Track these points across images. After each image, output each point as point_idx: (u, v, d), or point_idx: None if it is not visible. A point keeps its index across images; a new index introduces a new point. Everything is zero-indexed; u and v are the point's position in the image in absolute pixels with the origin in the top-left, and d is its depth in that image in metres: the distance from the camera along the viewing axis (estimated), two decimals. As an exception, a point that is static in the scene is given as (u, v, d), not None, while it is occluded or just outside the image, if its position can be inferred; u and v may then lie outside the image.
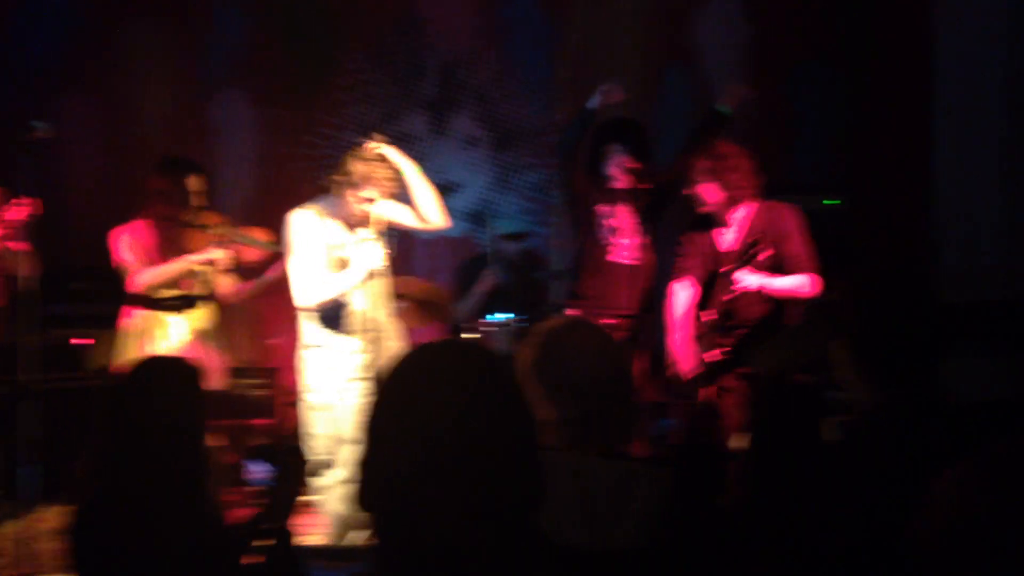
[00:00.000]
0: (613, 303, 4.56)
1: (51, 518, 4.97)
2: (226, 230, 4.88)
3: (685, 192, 4.40)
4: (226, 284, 5.02)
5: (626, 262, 4.63)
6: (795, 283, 4.28)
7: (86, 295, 5.84)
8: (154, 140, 6.67)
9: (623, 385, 2.18)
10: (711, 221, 4.45)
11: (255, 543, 2.40)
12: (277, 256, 4.86)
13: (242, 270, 5.11)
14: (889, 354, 2.06)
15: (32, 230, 4.08)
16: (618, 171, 4.60)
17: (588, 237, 4.66)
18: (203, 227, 4.87)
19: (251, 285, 5.10)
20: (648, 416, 4.83)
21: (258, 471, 2.57)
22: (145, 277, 4.76)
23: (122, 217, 4.92)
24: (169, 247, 4.80)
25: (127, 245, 4.79)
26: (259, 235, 5.04)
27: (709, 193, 4.31)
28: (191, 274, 4.83)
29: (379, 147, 4.35)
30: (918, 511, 1.22)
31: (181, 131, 6.74)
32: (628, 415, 2.18)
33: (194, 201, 4.84)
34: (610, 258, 4.63)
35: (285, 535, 2.42)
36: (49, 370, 5.17)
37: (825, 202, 5.81)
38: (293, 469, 2.51)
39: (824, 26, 6.48)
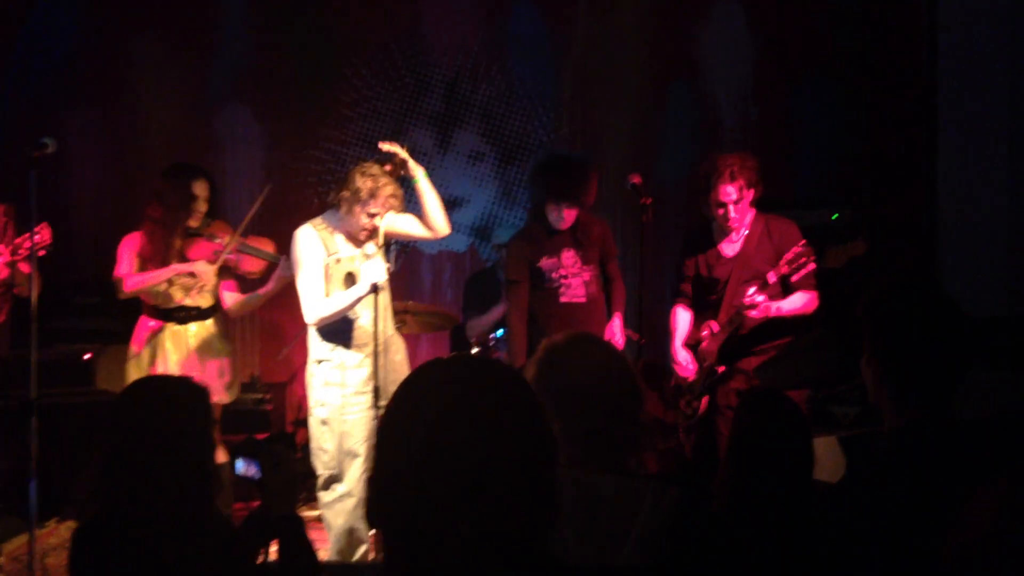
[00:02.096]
0: None
1: (59, 533, 4.99)
2: (231, 239, 4.85)
3: (702, 196, 4.42)
4: (230, 296, 4.99)
5: (579, 300, 4.80)
6: (800, 303, 4.41)
7: (89, 309, 5.87)
8: (159, 154, 6.68)
9: (630, 400, 2.16)
10: (709, 232, 4.49)
11: (266, 538, 2.37)
12: (274, 268, 4.85)
13: (244, 281, 5.07)
14: (917, 371, 2.01)
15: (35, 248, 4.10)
16: (558, 216, 4.76)
17: (537, 292, 4.81)
18: (208, 235, 4.85)
19: (248, 298, 4.99)
20: (654, 432, 4.85)
21: (246, 467, 2.46)
22: (128, 284, 4.77)
23: (126, 230, 4.91)
24: (160, 252, 4.76)
25: (122, 251, 4.81)
26: (264, 245, 5.00)
27: (726, 194, 4.33)
28: (174, 284, 4.79)
29: (393, 149, 4.38)
30: (953, 529, 1.21)
31: (186, 145, 6.76)
32: (635, 431, 2.17)
33: (198, 207, 4.81)
34: (563, 300, 4.79)
35: (294, 521, 2.39)
36: (53, 385, 5.20)
37: (834, 217, 5.83)
38: (282, 456, 2.44)
39: (826, 39, 6.50)
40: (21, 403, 3.94)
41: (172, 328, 4.85)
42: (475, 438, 1.28)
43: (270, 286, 4.85)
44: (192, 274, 4.78)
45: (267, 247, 5.00)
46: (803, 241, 4.30)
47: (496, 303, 5.49)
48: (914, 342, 2.01)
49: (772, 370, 4.27)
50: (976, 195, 5.55)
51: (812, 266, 4.27)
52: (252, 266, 4.97)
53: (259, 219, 5.01)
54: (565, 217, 4.76)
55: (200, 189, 4.82)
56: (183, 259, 4.81)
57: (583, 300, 4.79)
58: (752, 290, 4.29)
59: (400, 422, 1.33)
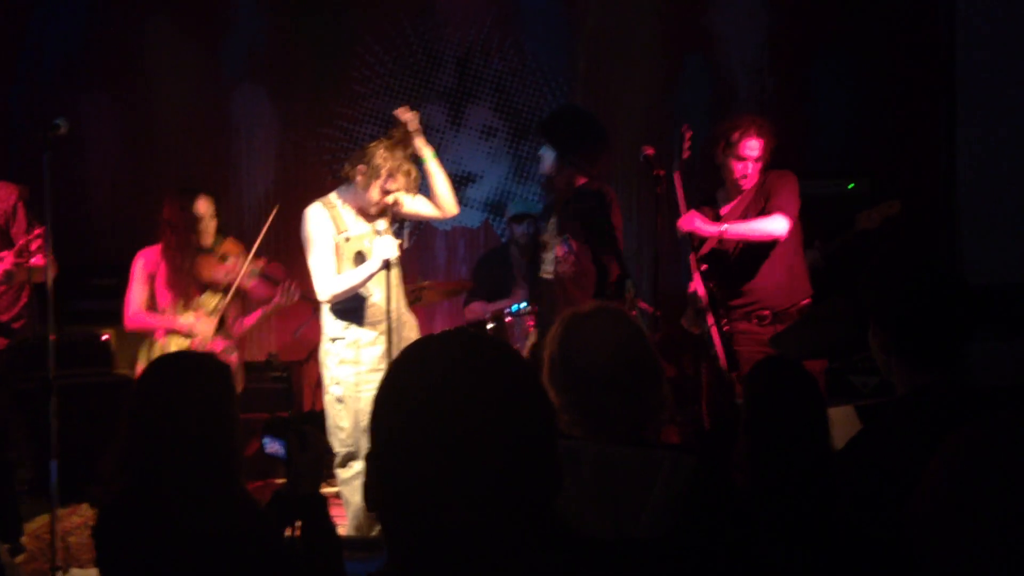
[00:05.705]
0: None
1: (80, 512, 5.03)
2: (243, 264, 4.76)
3: (719, 160, 4.40)
4: (231, 315, 4.91)
5: (547, 277, 4.59)
6: (756, 224, 4.31)
7: (107, 291, 5.89)
8: (174, 136, 6.71)
9: (647, 378, 2.15)
10: (714, 200, 4.53)
11: (292, 517, 2.37)
12: (278, 288, 4.77)
13: (248, 301, 4.98)
14: (924, 339, 2.02)
15: (51, 231, 4.08)
16: (553, 171, 4.54)
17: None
18: (220, 256, 4.81)
19: (252, 319, 4.95)
20: (672, 405, 4.82)
21: (273, 446, 2.45)
22: (129, 323, 4.79)
23: (142, 212, 4.91)
24: (178, 276, 4.74)
25: (136, 270, 4.79)
26: (275, 271, 4.89)
27: (751, 149, 4.33)
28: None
29: (409, 117, 4.34)
30: (918, 486, 1.21)
31: (200, 127, 6.78)
32: (654, 402, 2.16)
33: (205, 226, 4.80)
34: (542, 275, 4.63)
35: (318, 501, 2.37)
36: (72, 366, 5.22)
37: (850, 186, 5.78)
38: (309, 436, 2.42)
39: (842, 7, 6.43)
40: (40, 384, 3.96)
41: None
42: (469, 408, 1.26)
43: (277, 299, 4.77)
44: (191, 332, 4.72)
45: (278, 272, 4.89)
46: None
47: (507, 290, 5.46)
48: (915, 309, 2.02)
49: (788, 340, 4.25)
50: (995, 163, 5.51)
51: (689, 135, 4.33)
52: (265, 291, 4.86)
53: (274, 202, 4.96)
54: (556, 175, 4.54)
55: (203, 207, 4.80)
56: (193, 279, 4.77)
57: (550, 276, 4.56)
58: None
59: (394, 395, 1.31)
